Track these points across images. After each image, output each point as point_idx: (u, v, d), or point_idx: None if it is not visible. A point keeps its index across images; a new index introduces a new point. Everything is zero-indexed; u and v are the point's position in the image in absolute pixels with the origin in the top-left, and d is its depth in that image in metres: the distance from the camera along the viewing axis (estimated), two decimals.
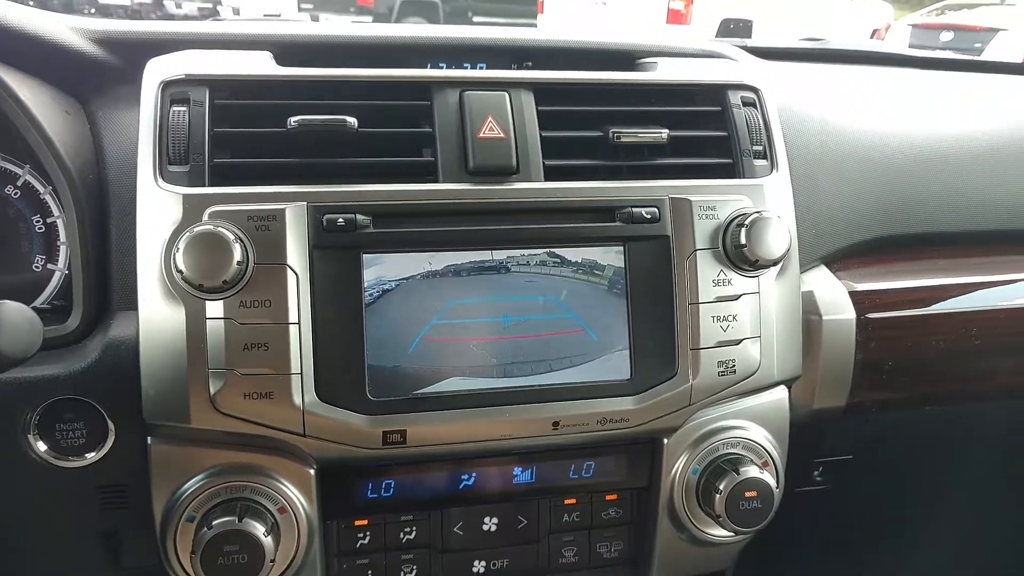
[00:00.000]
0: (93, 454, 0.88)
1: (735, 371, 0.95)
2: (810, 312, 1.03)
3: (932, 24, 9.85)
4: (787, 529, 1.21)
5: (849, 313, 1.04)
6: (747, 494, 0.95)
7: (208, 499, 0.86)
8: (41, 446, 0.87)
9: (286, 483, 0.89)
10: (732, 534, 1.00)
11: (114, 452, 0.88)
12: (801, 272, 1.04)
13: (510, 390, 0.90)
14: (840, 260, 1.10)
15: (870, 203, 1.12)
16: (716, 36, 1.65)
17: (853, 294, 1.05)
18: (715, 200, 0.95)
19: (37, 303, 0.95)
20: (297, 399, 0.84)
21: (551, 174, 0.94)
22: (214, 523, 0.83)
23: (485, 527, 0.99)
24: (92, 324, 0.89)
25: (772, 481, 0.97)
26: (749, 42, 1.40)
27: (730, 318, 0.94)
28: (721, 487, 0.96)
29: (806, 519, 1.27)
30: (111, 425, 0.88)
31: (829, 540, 1.41)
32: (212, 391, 0.83)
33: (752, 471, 0.96)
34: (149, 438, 0.87)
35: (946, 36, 9.23)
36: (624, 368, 0.93)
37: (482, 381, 0.90)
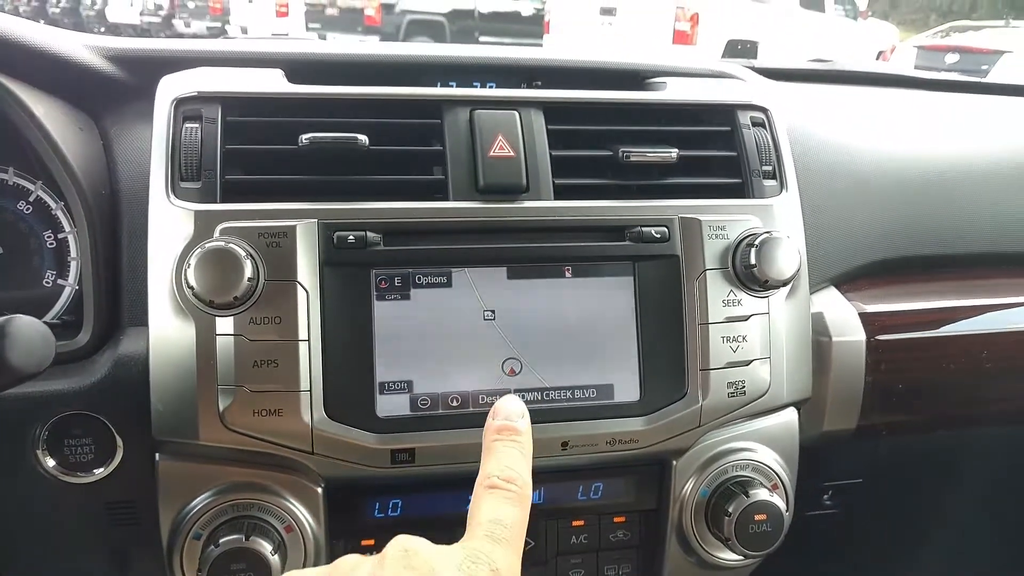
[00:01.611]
0: (101, 470, 0.88)
1: (745, 392, 0.94)
2: (820, 333, 1.03)
3: (938, 46, 9.87)
4: (797, 554, 1.20)
5: (859, 335, 1.03)
6: (757, 517, 0.95)
7: (215, 516, 0.86)
8: (50, 462, 0.87)
9: (293, 501, 0.88)
10: (741, 558, 0.99)
11: (122, 468, 0.88)
12: (811, 293, 1.04)
13: None
14: (850, 281, 1.09)
15: (880, 224, 1.12)
16: (723, 56, 1.66)
17: (863, 315, 1.04)
18: (725, 220, 0.95)
19: (47, 318, 0.95)
20: (306, 416, 0.84)
21: (561, 193, 0.94)
22: (221, 541, 0.83)
23: None
24: (102, 340, 0.89)
25: (782, 504, 0.96)
26: (756, 63, 1.40)
27: (740, 339, 0.94)
28: (731, 510, 0.95)
29: (816, 544, 1.26)
30: (119, 441, 0.88)
31: (839, 565, 1.40)
32: (221, 407, 0.82)
33: (762, 494, 0.95)
34: (157, 454, 0.87)
35: (952, 58, 9.25)
36: (633, 389, 0.92)
37: (491, 400, 0.89)
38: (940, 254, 1.13)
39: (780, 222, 0.98)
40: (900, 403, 1.06)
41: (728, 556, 1.00)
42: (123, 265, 0.91)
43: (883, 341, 1.04)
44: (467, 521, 0.62)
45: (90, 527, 0.93)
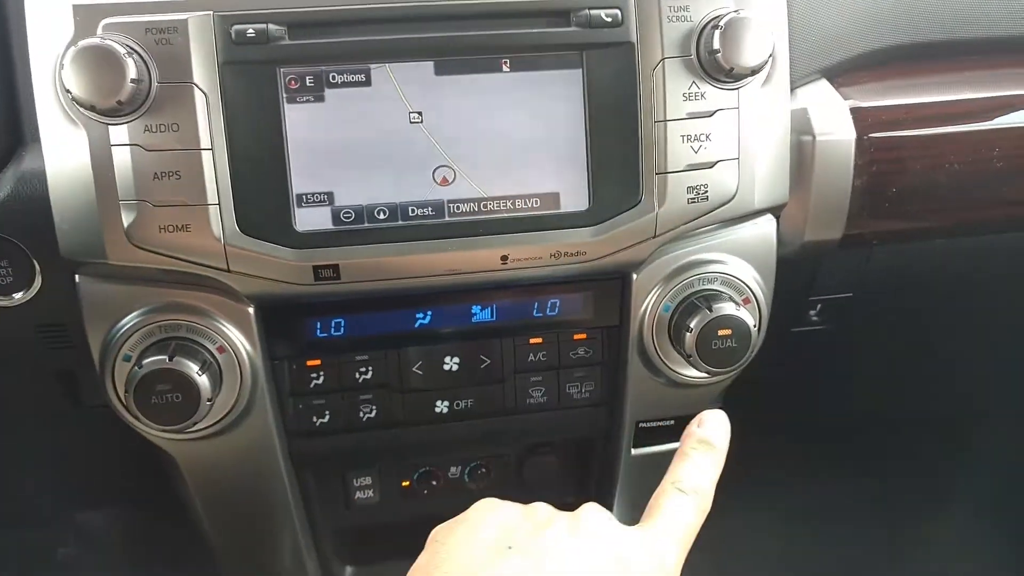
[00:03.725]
0: (21, 294, 0.84)
1: (707, 198, 0.85)
2: (802, 132, 0.91)
3: None
4: (783, 371, 1.15)
5: (848, 133, 0.92)
6: (720, 332, 0.88)
7: (143, 338, 0.83)
8: None
9: (224, 322, 0.85)
10: (706, 375, 0.93)
11: (45, 291, 0.85)
12: (797, 87, 0.92)
13: (453, 222, 0.83)
14: (846, 73, 0.96)
15: (882, 5, 0.96)
16: None
17: (855, 111, 0.92)
18: None
19: None
20: (216, 231, 0.78)
21: None
22: (144, 362, 0.80)
23: (446, 367, 0.95)
24: (6, 157, 0.83)
25: (750, 319, 0.89)
26: None
27: (702, 137, 0.84)
28: (692, 325, 0.89)
29: (808, 360, 1.20)
30: (36, 263, 0.84)
31: (834, 382, 1.34)
32: (126, 224, 0.77)
33: (727, 308, 0.88)
34: (77, 276, 0.83)
35: None
36: (582, 197, 0.84)
37: (422, 212, 0.82)
38: (949, 40, 0.97)
39: (757, 1, 0.85)
40: (892, 209, 0.95)
41: (692, 373, 0.95)
42: (17, 73, 0.83)
43: (876, 139, 0.92)
44: (646, 513, 0.68)
45: (27, 351, 0.91)
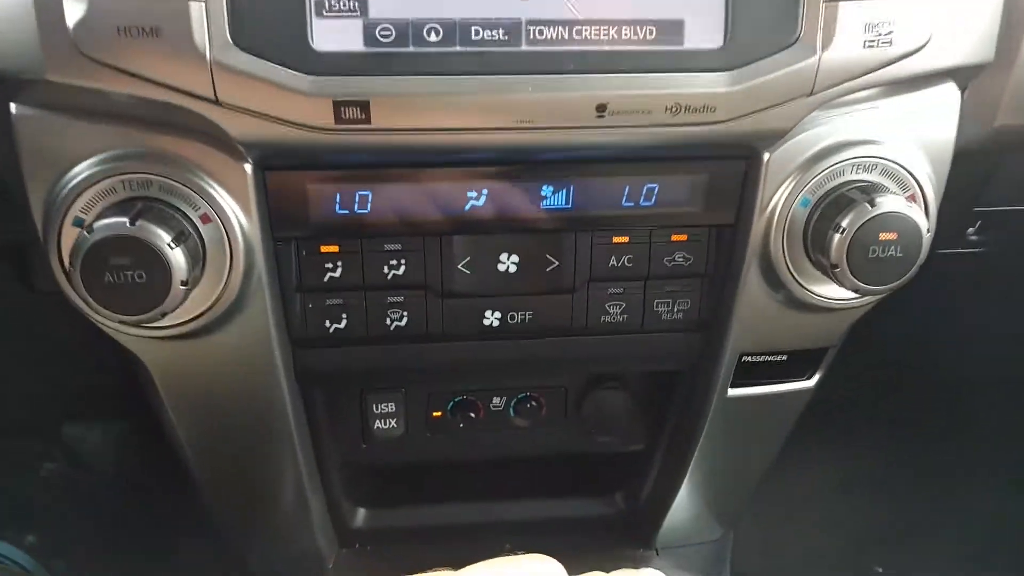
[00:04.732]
0: None
1: (890, 42, 0.61)
2: None
3: None
4: (919, 302, 0.91)
5: None
6: (883, 236, 0.65)
7: (101, 195, 0.62)
8: None
9: (210, 181, 0.63)
10: (852, 294, 0.70)
11: None
12: None
13: (532, 51, 0.60)
14: None
15: None
16: None
17: None
18: None
19: None
20: (200, 39, 0.56)
21: None
22: (97, 226, 0.58)
23: (501, 266, 0.74)
24: None
25: (922, 221, 0.65)
26: None
27: None
28: (844, 224, 0.65)
29: (948, 290, 0.96)
30: None
31: (970, 318, 1.10)
32: (70, 23, 0.55)
33: (893, 204, 0.65)
34: (13, 105, 0.61)
35: None
36: (715, 28, 0.61)
37: (490, 36, 0.59)
38: None
39: None
40: None
41: (831, 293, 0.73)
42: None
43: None
44: None
45: None
